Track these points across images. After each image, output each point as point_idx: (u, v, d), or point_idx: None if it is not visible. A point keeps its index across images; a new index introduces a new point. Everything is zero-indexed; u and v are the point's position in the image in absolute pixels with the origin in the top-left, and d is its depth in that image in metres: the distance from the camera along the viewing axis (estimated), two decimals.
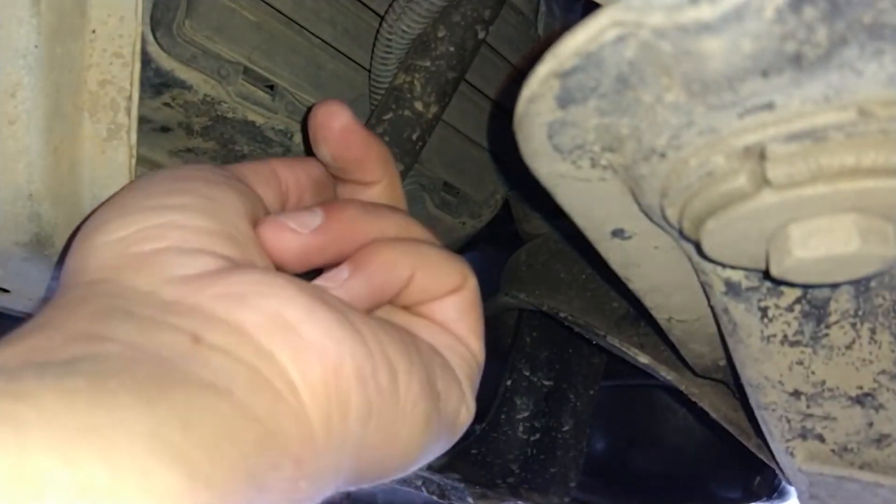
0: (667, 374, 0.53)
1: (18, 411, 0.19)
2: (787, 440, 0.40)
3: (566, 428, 0.74)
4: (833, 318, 0.34)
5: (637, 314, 0.56)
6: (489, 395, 0.76)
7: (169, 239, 0.27)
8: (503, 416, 0.73)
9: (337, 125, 0.36)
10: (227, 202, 0.30)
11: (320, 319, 0.27)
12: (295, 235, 0.31)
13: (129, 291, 0.26)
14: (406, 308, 0.35)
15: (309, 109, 0.38)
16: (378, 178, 0.38)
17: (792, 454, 0.41)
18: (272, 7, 0.48)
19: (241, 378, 0.24)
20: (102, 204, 0.30)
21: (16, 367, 0.21)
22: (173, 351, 0.24)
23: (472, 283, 0.35)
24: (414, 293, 0.33)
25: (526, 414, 0.73)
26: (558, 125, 0.26)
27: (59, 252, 0.40)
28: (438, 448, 0.32)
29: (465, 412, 0.33)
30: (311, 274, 0.33)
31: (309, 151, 0.39)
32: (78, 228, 0.30)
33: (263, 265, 0.30)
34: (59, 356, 0.22)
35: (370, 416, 0.28)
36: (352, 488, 0.30)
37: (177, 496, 0.20)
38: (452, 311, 0.35)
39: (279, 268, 0.32)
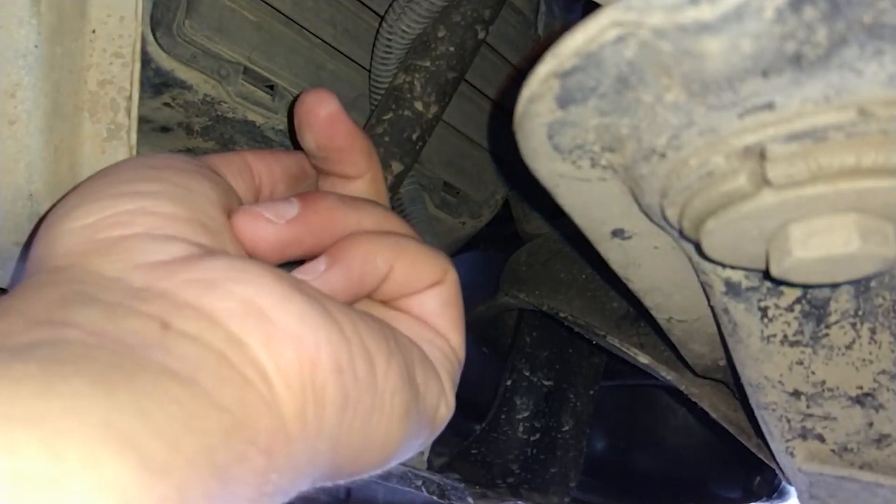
0: (667, 374, 0.53)
1: None
2: (787, 440, 0.40)
3: (566, 428, 0.74)
4: (833, 318, 0.34)
5: (637, 314, 0.56)
6: (489, 395, 0.76)
7: (139, 225, 0.26)
8: (503, 416, 0.73)
9: (323, 112, 0.35)
10: (200, 190, 0.29)
11: (295, 307, 0.26)
12: (270, 225, 0.30)
13: (95, 277, 0.25)
14: (385, 302, 0.34)
15: (296, 97, 0.37)
16: (361, 172, 0.38)
17: (792, 454, 0.41)
18: (272, 7, 0.48)
19: (209, 366, 0.23)
20: (72, 189, 0.29)
21: None
22: (139, 338, 0.23)
23: (453, 276, 0.35)
24: (393, 287, 0.33)
25: (526, 414, 0.73)
26: (558, 125, 0.26)
27: None
28: (417, 443, 0.32)
29: (444, 407, 0.33)
30: (288, 266, 0.32)
31: (294, 140, 0.38)
32: (45, 215, 0.29)
33: (236, 254, 0.29)
34: (17, 341, 0.22)
35: (347, 407, 0.27)
36: (328, 483, 0.29)
37: (128, 487, 0.19)
38: (432, 305, 0.34)
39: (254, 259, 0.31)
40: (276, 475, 0.24)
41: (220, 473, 0.22)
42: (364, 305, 0.34)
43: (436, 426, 0.33)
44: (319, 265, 0.31)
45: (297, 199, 0.32)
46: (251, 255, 0.31)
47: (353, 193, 0.37)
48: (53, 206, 0.29)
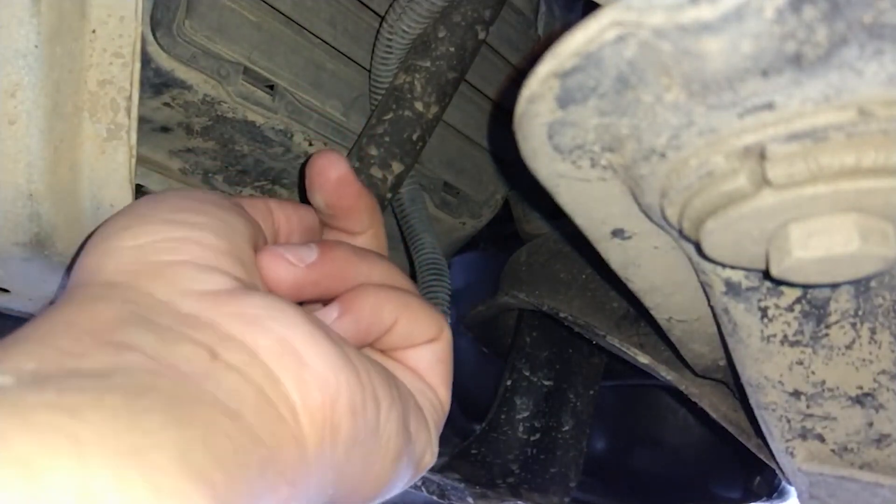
0: (667, 374, 0.53)
1: (78, 431, 0.21)
2: (787, 440, 0.40)
3: (566, 428, 0.74)
4: (833, 318, 0.34)
5: (637, 314, 0.56)
6: (489, 395, 0.76)
7: (185, 253, 0.29)
8: (503, 416, 0.73)
9: (334, 175, 0.38)
10: (237, 227, 0.32)
11: (323, 349, 0.28)
12: (291, 267, 0.33)
13: (147, 299, 0.27)
14: (382, 351, 0.37)
15: (307, 159, 0.40)
16: (364, 229, 0.41)
17: (792, 454, 0.41)
18: (272, 7, 0.48)
19: (251, 401, 0.26)
20: (122, 211, 0.32)
21: (55, 374, 0.23)
22: (192, 366, 0.25)
23: (448, 335, 0.38)
24: (394, 339, 0.35)
25: (526, 414, 0.73)
26: (558, 125, 0.26)
27: (59, 252, 0.40)
28: (402, 484, 0.35)
29: (429, 455, 0.36)
30: None
31: (303, 195, 0.40)
32: (93, 232, 0.32)
33: (264, 290, 0.32)
34: (89, 363, 0.23)
35: (355, 445, 0.29)
36: None
37: None
38: (426, 359, 0.37)
39: None
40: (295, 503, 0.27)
41: (257, 503, 0.24)
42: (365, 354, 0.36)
43: (420, 470, 0.36)
44: (332, 312, 0.33)
45: (316, 245, 0.34)
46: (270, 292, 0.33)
47: (358, 245, 0.40)
48: (101, 224, 0.32)
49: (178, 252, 0.29)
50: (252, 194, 0.54)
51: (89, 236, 0.32)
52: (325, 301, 0.35)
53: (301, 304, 0.35)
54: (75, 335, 0.25)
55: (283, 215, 0.38)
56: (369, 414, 0.30)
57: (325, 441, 0.28)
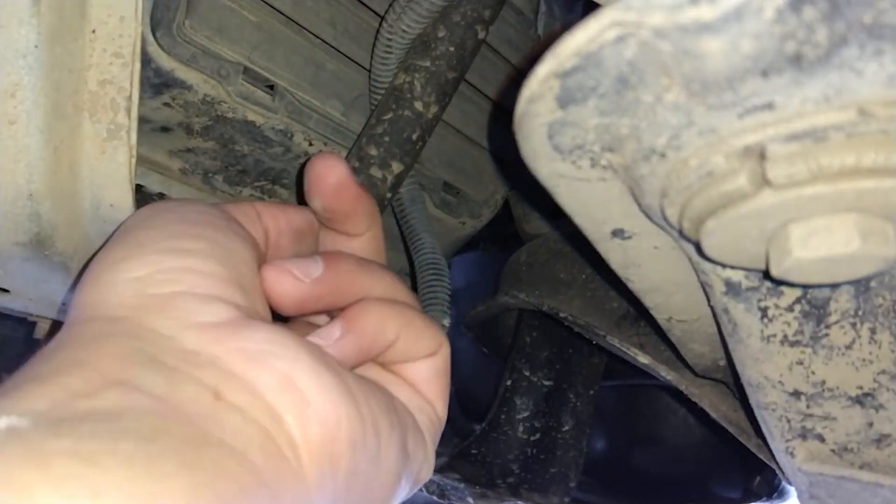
0: (667, 374, 0.53)
1: (97, 480, 0.21)
2: (787, 440, 0.40)
3: (566, 428, 0.73)
4: (833, 318, 0.34)
5: (637, 314, 0.56)
6: (489, 395, 0.76)
7: (185, 283, 0.29)
8: (503, 416, 0.73)
9: (333, 179, 0.38)
10: (235, 249, 0.31)
11: (324, 384, 0.28)
12: (297, 283, 0.33)
13: (151, 335, 0.27)
14: (381, 364, 0.37)
15: (305, 162, 0.40)
16: (362, 232, 0.41)
17: (792, 454, 0.41)
18: (272, 7, 0.48)
19: (256, 441, 0.26)
20: (117, 237, 0.32)
21: (68, 416, 0.23)
22: (196, 407, 0.25)
23: (447, 350, 0.38)
24: (394, 354, 0.35)
25: (526, 414, 0.73)
26: (558, 125, 0.26)
27: (59, 252, 0.40)
28: (400, 499, 0.35)
29: (426, 470, 0.36)
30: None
31: (301, 198, 0.40)
32: (89, 261, 0.32)
33: (264, 312, 0.32)
34: (99, 404, 0.24)
35: (355, 476, 0.29)
36: None
37: None
38: (425, 374, 0.37)
39: (275, 310, 0.34)
40: None
41: None
42: (363, 367, 0.36)
43: (417, 485, 0.36)
44: (335, 331, 0.33)
45: (321, 258, 0.34)
46: (275, 307, 0.33)
47: (353, 249, 0.41)
48: (97, 253, 0.32)
49: (178, 283, 0.29)
50: (252, 194, 0.54)
51: (87, 264, 0.32)
52: (328, 311, 0.35)
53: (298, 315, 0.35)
54: (83, 374, 0.25)
55: (272, 219, 0.37)
56: (369, 444, 0.30)
57: (326, 475, 0.28)
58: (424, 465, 0.35)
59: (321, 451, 0.28)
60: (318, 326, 0.35)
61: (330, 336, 0.33)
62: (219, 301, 0.29)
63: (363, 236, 0.41)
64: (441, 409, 0.38)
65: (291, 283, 0.33)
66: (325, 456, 0.28)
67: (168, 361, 0.26)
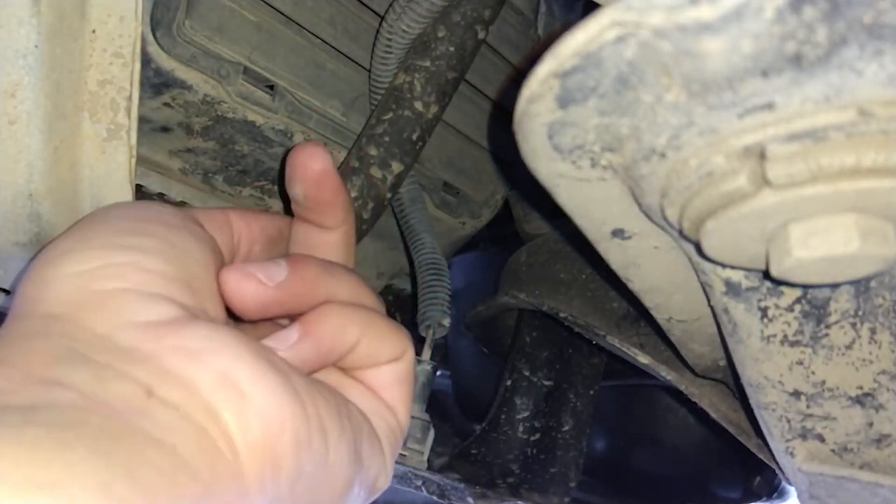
0: (667, 374, 0.53)
1: None
2: (787, 440, 0.40)
3: (566, 428, 0.73)
4: (833, 318, 0.34)
5: (637, 314, 0.56)
6: (489, 395, 0.76)
7: (129, 280, 0.28)
8: (503, 416, 0.73)
9: (317, 167, 0.37)
10: (186, 248, 0.31)
11: (266, 382, 0.27)
12: (260, 287, 0.32)
13: (86, 333, 0.26)
14: (342, 369, 0.36)
15: (289, 149, 0.39)
16: (338, 225, 0.40)
17: (792, 454, 0.41)
18: (272, 7, 0.48)
19: (188, 436, 0.25)
20: (65, 232, 0.31)
21: None
22: (126, 404, 0.25)
23: (410, 355, 0.37)
24: (355, 358, 0.35)
25: (526, 414, 0.73)
26: (558, 125, 0.26)
27: None
28: None
29: (383, 478, 0.35)
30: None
31: (282, 185, 0.39)
32: (36, 255, 0.31)
33: (215, 313, 0.31)
34: (18, 400, 0.23)
35: (300, 479, 0.29)
36: None
37: None
38: (387, 379, 0.36)
39: (234, 315, 0.33)
40: None
41: None
42: (322, 370, 0.35)
43: (373, 493, 0.35)
44: (292, 335, 0.32)
45: (285, 262, 0.33)
46: (235, 312, 0.32)
47: (325, 243, 0.40)
48: (44, 247, 0.31)
49: (121, 279, 0.28)
50: (252, 194, 0.54)
51: (32, 258, 0.31)
52: (290, 316, 0.34)
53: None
54: (6, 373, 0.24)
55: (245, 226, 0.37)
56: (315, 446, 0.29)
57: (267, 475, 0.27)
58: (382, 472, 0.35)
59: (262, 450, 0.27)
60: (283, 327, 0.34)
61: (287, 340, 0.32)
62: (162, 299, 0.28)
63: (337, 231, 0.40)
64: (403, 415, 0.37)
65: (254, 286, 0.32)
66: (267, 455, 0.27)
67: (99, 359, 0.26)
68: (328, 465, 0.30)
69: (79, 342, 0.26)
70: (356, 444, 0.32)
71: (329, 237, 0.40)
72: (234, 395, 0.27)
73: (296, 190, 0.38)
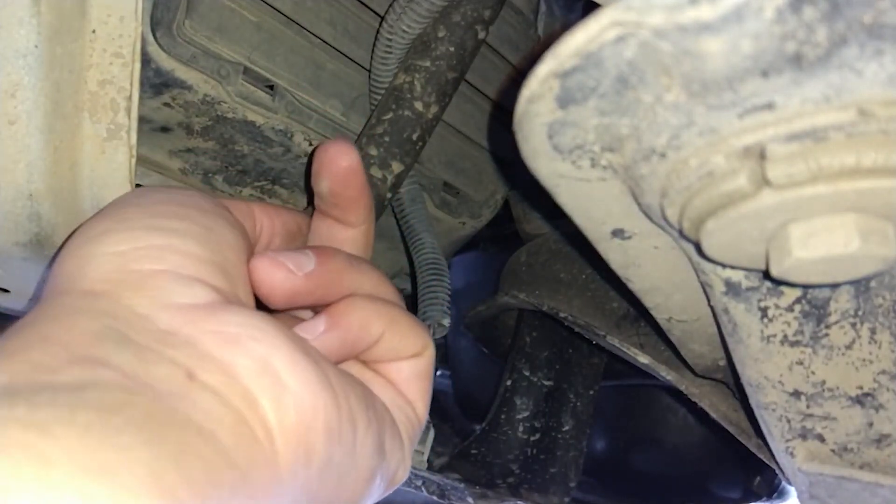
0: (667, 374, 0.53)
1: (47, 449, 0.20)
2: (787, 440, 0.40)
3: (566, 428, 0.73)
4: (833, 318, 0.34)
5: (637, 314, 0.56)
6: (489, 395, 0.76)
7: (167, 262, 0.28)
8: (503, 416, 0.73)
9: (345, 163, 0.38)
10: (221, 233, 0.31)
11: (302, 371, 0.28)
12: (290, 276, 0.32)
13: (126, 312, 0.27)
14: (364, 362, 0.36)
15: (318, 145, 0.40)
16: (359, 223, 0.40)
17: (792, 454, 0.41)
18: (272, 7, 0.48)
19: (227, 422, 0.25)
20: (102, 212, 0.31)
21: (26, 388, 0.22)
22: (168, 385, 0.25)
23: (431, 351, 0.37)
24: (378, 352, 0.35)
25: (526, 414, 0.73)
26: (558, 125, 0.26)
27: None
28: (374, 499, 0.34)
29: (402, 471, 0.35)
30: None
31: (308, 181, 0.40)
32: (73, 233, 0.31)
33: (247, 299, 0.31)
34: (62, 378, 0.23)
35: (329, 466, 0.29)
36: None
37: None
38: (408, 374, 0.36)
39: (262, 303, 0.33)
40: None
41: None
42: (344, 363, 0.36)
43: (392, 486, 0.36)
44: (319, 325, 0.33)
45: (313, 253, 0.34)
46: (263, 299, 0.33)
47: (346, 239, 0.41)
48: (81, 225, 0.31)
49: (160, 261, 0.28)
50: (252, 194, 0.55)
51: (70, 236, 0.31)
52: (314, 307, 0.35)
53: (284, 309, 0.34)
54: (50, 349, 0.24)
55: (267, 219, 0.37)
56: (345, 436, 0.29)
57: (299, 462, 0.27)
58: (401, 465, 0.35)
59: (296, 437, 0.27)
60: (302, 321, 0.34)
61: (314, 330, 0.32)
62: (199, 283, 0.28)
63: (358, 229, 0.41)
64: (421, 410, 0.37)
65: (283, 275, 0.32)
66: (300, 443, 0.27)
67: (140, 340, 0.26)
68: (355, 455, 0.30)
69: (119, 321, 0.26)
70: (381, 436, 0.32)
71: (350, 234, 0.40)
72: (273, 382, 0.27)
73: (322, 185, 0.39)
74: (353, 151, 0.38)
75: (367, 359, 0.36)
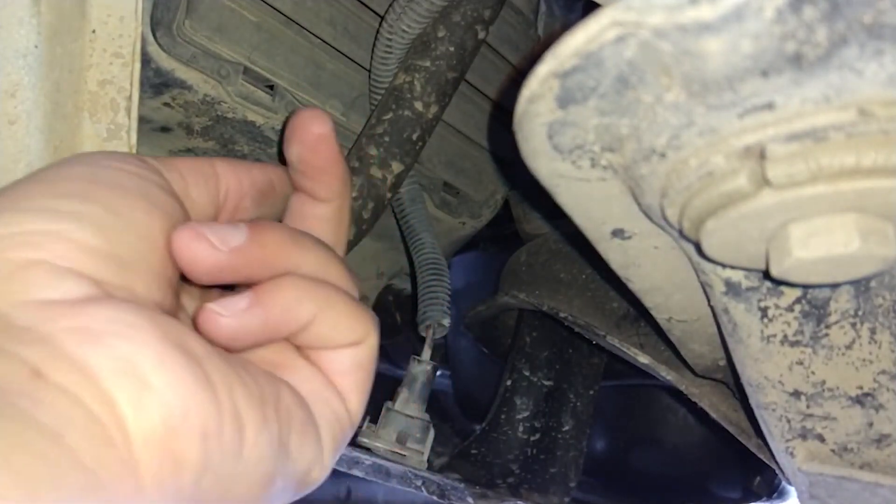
0: (667, 374, 0.53)
1: None
2: (787, 440, 0.40)
3: (566, 428, 0.74)
4: (833, 318, 0.34)
5: (637, 314, 0.56)
6: (489, 395, 0.76)
7: (46, 250, 0.26)
8: (503, 416, 0.73)
9: (316, 130, 0.36)
10: (132, 218, 0.28)
11: (171, 369, 0.26)
12: (211, 250, 0.30)
13: None
14: (297, 347, 0.34)
15: (291, 112, 0.38)
16: (331, 197, 0.38)
17: (792, 454, 0.41)
18: (272, 7, 0.48)
19: (77, 422, 0.23)
20: (8, 186, 0.29)
21: None
22: (8, 384, 0.23)
23: (373, 340, 0.34)
24: (310, 337, 0.32)
25: (526, 414, 0.73)
26: (558, 125, 0.26)
27: None
28: (280, 503, 0.32)
29: (318, 470, 0.33)
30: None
31: (280, 149, 0.39)
32: None
33: (146, 292, 0.29)
34: None
35: (206, 473, 0.27)
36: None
37: None
38: (344, 364, 0.34)
39: (186, 277, 0.31)
40: None
41: None
42: (275, 346, 0.33)
43: (305, 487, 0.33)
44: (240, 302, 0.30)
45: (246, 227, 0.31)
46: (184, 275, 0.31)
47: (319, 215, 0.38)
48: None
49: (38, 249, 0.26)
50: None
51: None
52: (246, 284, 0.32)
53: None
54: None
55: (234, 178, 0.34)
56: (227, 439, 0.27)
57: (166, 469, 0.25)
58: (316, 465, 0.32)
59: (161, 442, 0.25)
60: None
61: (234, 306, 0.30)
62: (75, 275, 0.26)
63: (331, 204, 0.38)
64: (354, 404, 0.34)
65: (205, 249, 0.29)
66: (166, 448, 0.25)
67: None
68: (243, 459, 0.28)
69: None
70: (282, 437, 0.30)
71: (321, 210, 0.38)
72: (134, 383, 0.25)
73: (291, 152, 0.37)
74: (326, 119, 0.36)
75: (300, 344, 0.33)
